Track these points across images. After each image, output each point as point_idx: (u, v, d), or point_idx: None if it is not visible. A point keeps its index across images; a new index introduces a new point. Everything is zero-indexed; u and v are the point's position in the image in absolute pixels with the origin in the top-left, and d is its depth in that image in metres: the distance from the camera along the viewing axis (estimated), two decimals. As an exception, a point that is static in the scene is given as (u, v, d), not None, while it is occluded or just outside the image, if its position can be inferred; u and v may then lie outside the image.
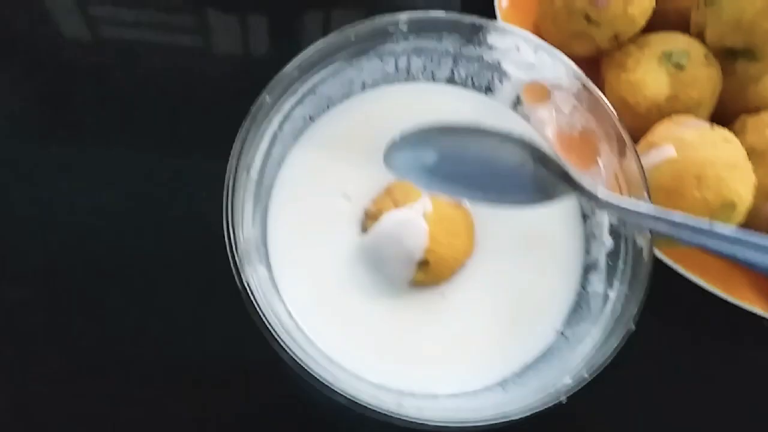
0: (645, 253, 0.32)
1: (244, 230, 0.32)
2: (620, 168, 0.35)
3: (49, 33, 0.51)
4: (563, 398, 0.29)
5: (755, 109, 0.43)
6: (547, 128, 0.39)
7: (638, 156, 0.34)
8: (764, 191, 0.38)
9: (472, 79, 0.40)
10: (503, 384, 0.33)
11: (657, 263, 0.33)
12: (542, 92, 0.39)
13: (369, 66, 0.39)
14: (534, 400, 0.29)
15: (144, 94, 0.48)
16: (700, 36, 0.43)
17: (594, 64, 0.45)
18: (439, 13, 0.37)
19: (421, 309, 0.35)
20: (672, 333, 0.43)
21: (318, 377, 0.29)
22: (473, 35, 0.38)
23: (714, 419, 0.41)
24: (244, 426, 0.39)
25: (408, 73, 0.40)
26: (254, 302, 0.30)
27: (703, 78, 0.41)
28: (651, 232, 0.32)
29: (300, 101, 0.37)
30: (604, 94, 0.36)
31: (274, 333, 0.29)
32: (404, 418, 0.28)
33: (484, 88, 0.40)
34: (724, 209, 0.36)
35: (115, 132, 0.47)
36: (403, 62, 0.39)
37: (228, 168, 0.32)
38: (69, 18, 0.52)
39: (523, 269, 0.36)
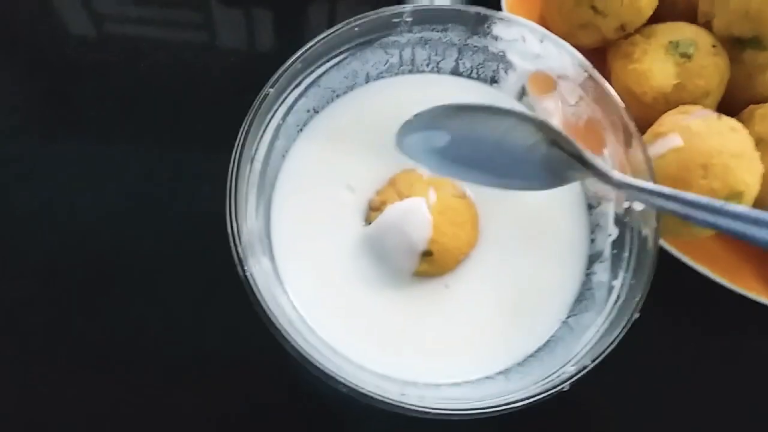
0: (650, 243, 0.32)
1: (248, 222, 0.32)
2: (626, 158, 0.35)
3: (52, 29, 0.51)
4: (566, 386, 0.29)
5: (763, 99, 0.42)
6: (552, 119, 0.39)
7: (644, 146, 0.34)
8: (772, 181, 0.38)
9: (477, 70, 0.40)
10: (506, 373, 0.33)
11: (661, 253, 0.33)
12: (548, 83, 0.38)
13: (373, 58, 0.38)
14: (537, 388, 0.29)
15: (148, 91, 0.48)
16: (708, 25, 0.43)
17: (600, 55, 0.45)
18: (443, 4, 0.37)
19: (425, 300, 0.35)
20: (675, 322, 0.43)
21: (322, 368, 0.29)
22: (478, 26, 0.38)
23: (716, 408, 0.41)
24: (250, 418, 0.39)
25: (412, 64, 0.40)
26: (258, 294, 0.30)
27: (711, 67, 0.41)
28: (661, 214, 0.32)
29: (304, 93, 0.37)
30: (610, 84, 0.36)
31: (278, 324, 0.29)
32: (407, 407, 0.28)
33: (489, 79, 0.40)
34: (731, 199, 0.35)
35: (117, 129, 0.47)
36: (407, 54, 0.39)
37: (231, 159, 0.32)
38: (72, 14, 0.51)
39: (527, 259, 0.36)
